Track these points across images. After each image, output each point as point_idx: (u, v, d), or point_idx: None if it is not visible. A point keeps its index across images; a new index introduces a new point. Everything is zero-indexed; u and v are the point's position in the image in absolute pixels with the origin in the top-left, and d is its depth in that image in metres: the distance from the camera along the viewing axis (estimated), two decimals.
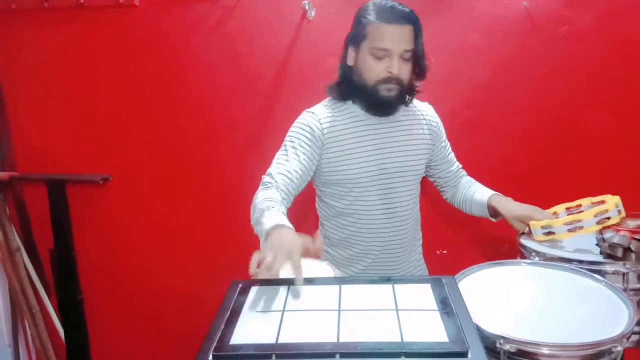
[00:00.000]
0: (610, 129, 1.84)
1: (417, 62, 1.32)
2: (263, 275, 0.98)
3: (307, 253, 1.03)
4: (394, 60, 1.27)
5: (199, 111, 1.97)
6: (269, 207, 1.15)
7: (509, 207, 1.44)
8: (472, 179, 1.60)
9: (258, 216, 1.16)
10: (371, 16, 1.27)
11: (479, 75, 1.85)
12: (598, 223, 1.42)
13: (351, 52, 1.34)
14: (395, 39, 1.26)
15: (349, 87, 1.37)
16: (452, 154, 1.58)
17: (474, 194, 1.52)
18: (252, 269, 0.99)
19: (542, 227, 1.48)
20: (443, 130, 1.53)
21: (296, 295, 0.99)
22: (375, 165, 1.36)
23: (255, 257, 1.00)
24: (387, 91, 1.30)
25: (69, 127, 2.03)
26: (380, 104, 1.33)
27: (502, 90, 1.85)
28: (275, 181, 1.27)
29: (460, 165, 1.60)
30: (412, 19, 1.27)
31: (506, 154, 1.90)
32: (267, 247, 1.03)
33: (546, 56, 1.81)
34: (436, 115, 1.51)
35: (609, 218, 1.42)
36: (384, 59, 1.27)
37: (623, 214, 1.46)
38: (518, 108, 1.86)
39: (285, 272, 1.22)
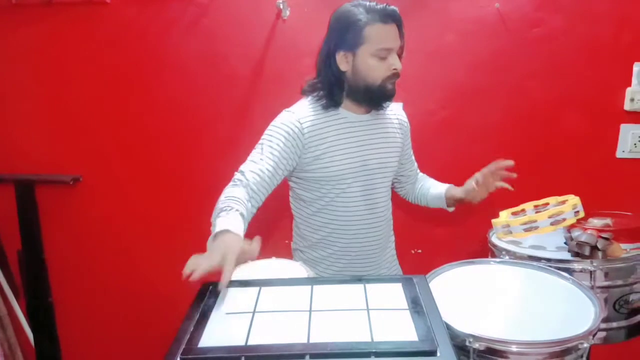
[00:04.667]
0: (581, 129, 1.87)
1: (400, 55, 1.36)
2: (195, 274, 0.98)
3: (243, 255, 1.05)
4: (395, 58, 1.32)
5: (172, 110, 1.94)
6: (227, 208, 1.16)
7: (461, 188, 1.53)
8: (424, 174, 1.69)
9: (215, 215, 1.17)
10: (365, 19, 1.28)
11: (454, 76, 1.86)
12: (552, 224, 1.47)
13: (342, 58, 1.33)
14: (393, 37, 1.31)
15: (341, 93, 1.37)
16: (415, 165, 1.66)
17: (430, 189, 1.61)
18: (187, 270, 1.00)
19: (502, 226, 1.54)
20: (409, 131, 1.57)
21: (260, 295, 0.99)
22: (357, 161, 1.38)
23: (191, 260, 1.02)
24: (392, 85, 1.34)
25: (38, 126, 1.98)
26: (387, 97, 1.36)
27: (476, 91, 1.87)
28: (247, 179, 1.26)
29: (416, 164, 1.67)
30: (399, 16, 1.32)
31: (480, 154, 1.90)
32: (208, 249, 1.06)
33: (519, 58, 1.84)
34: (404, 117, 1.55)
35: (564, 219, 1.47)
36: (386, 58, 1.31)
37: (581, 214, 1.51)
38: (492, 108, 1.89)
39: (242, 274, 1.22)
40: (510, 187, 1.45)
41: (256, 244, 1.08)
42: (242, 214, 1.17)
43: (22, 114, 1.97)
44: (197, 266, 0.98)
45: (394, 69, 1.31)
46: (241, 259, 1.05)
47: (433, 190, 1.60)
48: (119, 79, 1.93)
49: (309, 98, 1.41)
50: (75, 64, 1.92)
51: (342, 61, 1.33)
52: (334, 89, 1.36)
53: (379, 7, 1.29)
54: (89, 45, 1.91)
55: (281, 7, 1.80)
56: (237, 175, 1.29)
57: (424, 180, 1.66)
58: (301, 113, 1.36)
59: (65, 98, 1.95)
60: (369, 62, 1.30)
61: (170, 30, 1.87)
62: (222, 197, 1.22)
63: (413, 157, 1.63)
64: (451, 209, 1.59)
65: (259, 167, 1.29)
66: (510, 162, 1.44)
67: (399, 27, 1.32)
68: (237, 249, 1.03)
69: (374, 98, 1.36)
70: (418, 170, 1.67)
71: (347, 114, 1.39)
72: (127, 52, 1.90)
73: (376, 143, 1.41)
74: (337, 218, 1.41)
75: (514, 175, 1.45)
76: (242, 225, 1.14)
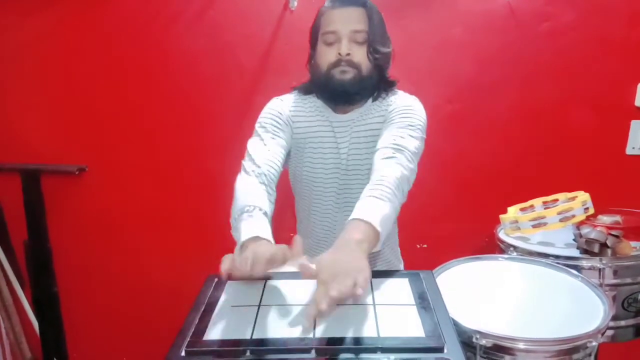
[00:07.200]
0: (590, 125, 1.85)
1: (372, 44, 1.23)
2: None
3: (284, 262, 0.95)
4: (343, 42, 1.22)
5: (178, 101, 1.93)
6: (249, 209, 1.10)
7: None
8: (373, 189, 1.10)
9: (237, 216, 1.10)
10: (325, 6, 1.27)
11: (461, 71, 1.84)
12: (561, 220, 1.45)
13: (313, 50, 1.32)
14: (341, 20, 1.22)
15: (312, 83, 1.34)
16: (392, 139, 1.19)
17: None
18: (224, 268, 0.93)
19: (510, 222, 1.52)
20: (396, 115, 1.25)
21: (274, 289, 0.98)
22: (331, 164, 1.31)
23: (227, 261, 0.93)
24: (341, 74, 1.22)
25: (44, 116, 1.97)
26: (336, 88, 1.24)
27: (484, 86, 1.85)
28: (258, 166, 1.20)
29: (388, 156, 1.16)
30: (361, 2, 1.24)
31: (487, 149, 1.91)
32: (242, 260, 0.94)
33: (528, 52, 1.82)
34: (401, 103, 1.27)
35: (573, 216, 1.45)
36: (334, 44, 1.23)
37: (591, 211, 1.49)
38: (500, 103, 1.87)
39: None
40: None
41: (297, 245, 0.94)
42: (265, 213, 1.11)
43: (27, 103, 1.97)
44: (233, 270, 0.92)
45: (339, 54, 1.21)
46: (278, 264, 0.94)
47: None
48: (125, 70, 1.92)
49: (298, 89, 1.38)
50: (81, 54, 1.91)
51: (313, 52, 1.31)
52: (310, 80, 1.35)
53: None
54: (95, 36, 1.90)
55: None
56: (247, 164, 1.23)
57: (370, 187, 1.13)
58: (289, 100, 1.35)
59: (71, 88, 1.95)
60: (319, 49, 1.26)
61: (176, 21, 1.85)
62: (238, 193, 1.16)
63: (387, 144, 1.18)
64: None
65: (268, 154, 1.24)
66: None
67: (367, 11, 1.23)
68: (266, 256, 0.92)
69: (326, 89, 1.27)
70: (383, 162, 1.16)
71: (330, 114, 1.31)
72: (132, 43, 1.89)
73: (356, 145, 1.29)
74: (312, 213, 1.38)
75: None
76: (268, 226, 1.08)
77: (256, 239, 1.02)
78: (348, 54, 1.21)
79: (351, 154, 1.30)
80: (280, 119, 1.31)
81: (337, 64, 1.22)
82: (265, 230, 1.06)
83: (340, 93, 1.25)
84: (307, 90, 1.36)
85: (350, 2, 1.24)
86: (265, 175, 1.21)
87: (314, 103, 1.34)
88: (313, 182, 1.34)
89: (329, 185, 1.33)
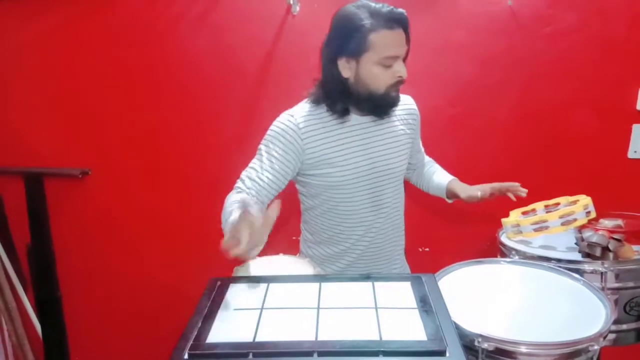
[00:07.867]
0: (592, 128, 1.85)
1: (405, 59, 1.31)
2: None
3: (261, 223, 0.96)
4: (401, 64, 1.25)
5: (181, 105, 1.94)
6: (239, 207, 1.12)
7: (464, 188, 1.51)
8: (430, 159, 1.66)
9: (227, 217, 1.13)
10: (369, 24, 1.20)
11: (463, 73, 1.85)
12: (563, 224, 1.45)
13: (344, 64, 1.26)
14: (399, 43, 1.23)
15: (346, 101, 1.31)
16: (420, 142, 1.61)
17: (433, 175, 1.60)
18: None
19: (512, 226, 1.52)
20: (419, 121, 1.51)
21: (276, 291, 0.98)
22: (363, 166, 1.33)
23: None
24: (395, 92, 1.30)
25: (47, 119, 1.98)
26: (390, 105, 1.32)
27: (486, 89, 1.86)
28: (247, 187, 1.26)
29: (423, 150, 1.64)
30: (406, 20, 1.24)
31: (489, 152, 1.91)
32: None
33: (530, 55, 1.82)
34: (415, 107, 1.47)
35: (575, 219, 1.45)
36: (391, 65, 1.24)
37: (593, 215, 1.49)
38: (502, 106, 1.87)
39: (250, 270, 1.22)
40: (513, 198, 1.47)
41: (274, 208, 0.95)
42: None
43: (31, 107, 1.98)
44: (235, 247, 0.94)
45: (399, 77, 1.25)
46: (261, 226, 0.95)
47: (436, 178, 1.57)
48: (127, 73, 1.93)
49: (311, 100, 1.35)
50: (84, 57, 1.92)
51: (345, 67, 1.26)
52: (337, 96, 1.29)
53: (384, 10, 1.19)
54: (98, 39, 1.91)
55: (291, 2, 1.79)
56: (238, 183, 1.28)
57: (428, 165, 1.64)
58: (300, 117, 1.31)
59: (74, 92, 1.96)
60: (373, 71, 1.23)
61: (179, 24, 1.86)
62: (227, 203, 1.20)
63: (422, 147, 1.60)
64: (450, 201, 1.57)
65: (257, 176, 1.27)
66: (523, 193, 1.46)
67: (406, 31, 1.24)
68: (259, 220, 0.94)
69: (377, 106, 1.30)
70: (425, 158, 1.64)
71: (350, 116, 1.33)
72: (135, 46, 1.90)
73: (383, 145, 1.36)
74: (342, 221, 1.38)
75: (524, 193, 1.46)
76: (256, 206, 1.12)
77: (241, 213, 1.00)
78: None
79: (382, 153, 1.36)
80: (287, 139, 1.29)
81: (395, 85, 1.27)
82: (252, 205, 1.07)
83: (391, 106, 1.33)
84: (343, 111, 1.32)
85: (401, 23, 1.22)
86: (254, 196, 1.24)
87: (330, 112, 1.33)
88: (343, 190, 1.34)
89: (362, 189, 1.35)
